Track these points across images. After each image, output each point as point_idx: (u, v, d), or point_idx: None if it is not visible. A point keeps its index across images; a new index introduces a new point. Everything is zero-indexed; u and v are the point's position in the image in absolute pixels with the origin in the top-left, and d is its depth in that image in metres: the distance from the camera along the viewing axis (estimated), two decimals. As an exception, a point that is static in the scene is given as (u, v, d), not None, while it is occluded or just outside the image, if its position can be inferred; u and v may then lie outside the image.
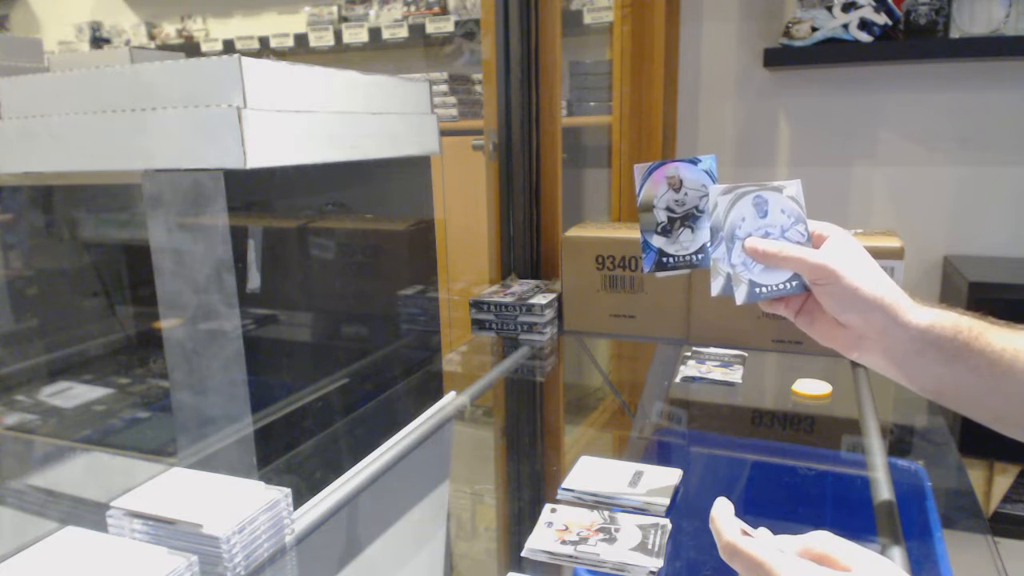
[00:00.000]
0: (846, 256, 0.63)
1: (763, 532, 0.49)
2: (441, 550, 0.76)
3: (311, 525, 0.68)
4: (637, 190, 0.72)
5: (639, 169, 0.71)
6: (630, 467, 0.78)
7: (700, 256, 0.71)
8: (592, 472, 0.78)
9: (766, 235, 0.66)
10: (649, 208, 0.71)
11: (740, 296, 0.66)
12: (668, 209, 0.71)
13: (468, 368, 1.19)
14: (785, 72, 2.22)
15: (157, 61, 0.69)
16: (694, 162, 0.70)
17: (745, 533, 0.48)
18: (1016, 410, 0.61)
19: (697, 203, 0.71)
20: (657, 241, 0.72)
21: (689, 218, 0.71)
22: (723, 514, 0.49)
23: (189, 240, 0.68)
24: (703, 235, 0.71)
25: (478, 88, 2.69)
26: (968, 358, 0.61)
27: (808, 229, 0.66)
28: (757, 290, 0.66)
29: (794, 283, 0.65)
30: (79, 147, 0.71)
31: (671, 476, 0.76)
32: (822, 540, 0.47)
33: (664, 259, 0.72)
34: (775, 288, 0.65)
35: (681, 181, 0.70)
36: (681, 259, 0.72)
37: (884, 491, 0.75)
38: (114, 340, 1.03)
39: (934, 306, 0.64)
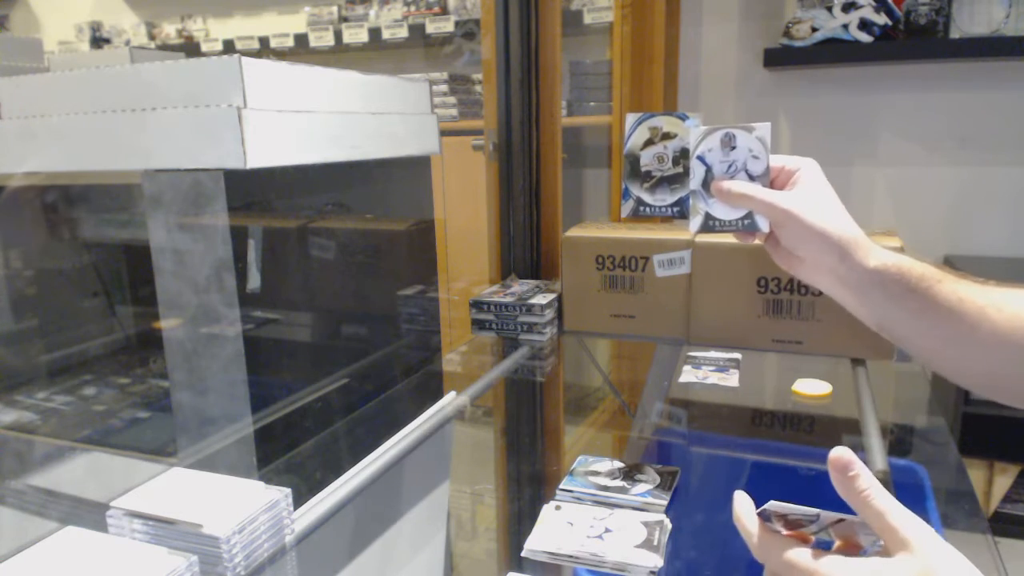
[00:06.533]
0: (808, 198, 0.67)
1: (772, 505, 0.48)
2: (441, 550, 0.76)
3: (311, 525, 0.68)
4: (626, 138, 0.77)
5: (631, 118, 0.77)
6: (627, 466, 0.78)
7: (676, 210, 0.77)
8: (589, 472, 0.78)
9: (730, 167, 0.71)
10: (635, 157, 0.77)
11: (694, 226, 0.73)
12: (655, 159, 0.77)
13: (468, 368, 1.19)
14: (785, 72, 2.22)
15: (157, 61, 0.69)
16: (682, 117, 0.75)
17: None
18: (972, 363, 0.64)
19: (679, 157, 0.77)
20: (637, 189, 0.77)
21: (670, 175, 0.77)
22: (749, 513, 0.49)
23: (189, 240, 0.68)
24: (681, 191, 0.77)
25: (478, 88, 2.69)
26: (908, 301, 0.65)
27: (769, 167, 0.70)
28: (711, 223, 0.72)
29: (746, 221, 0.71)
30: (79, 147, 0.71)
31: (669, 475, 0.76)
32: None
33: (641, 208, 0.78)
34: (729, 223, 0.72)
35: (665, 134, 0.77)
36: (657, 209, 0.78)
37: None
38: (114, 340, 1.03)
39: (899, 255, 0.67)
